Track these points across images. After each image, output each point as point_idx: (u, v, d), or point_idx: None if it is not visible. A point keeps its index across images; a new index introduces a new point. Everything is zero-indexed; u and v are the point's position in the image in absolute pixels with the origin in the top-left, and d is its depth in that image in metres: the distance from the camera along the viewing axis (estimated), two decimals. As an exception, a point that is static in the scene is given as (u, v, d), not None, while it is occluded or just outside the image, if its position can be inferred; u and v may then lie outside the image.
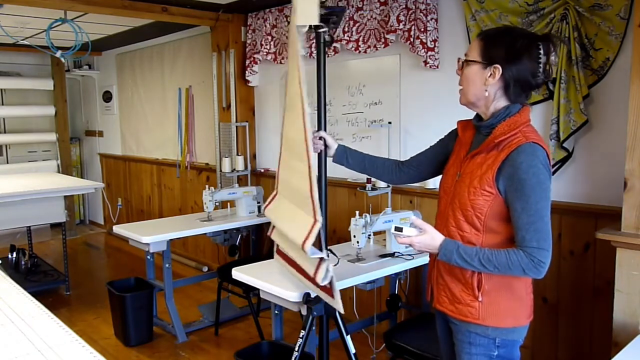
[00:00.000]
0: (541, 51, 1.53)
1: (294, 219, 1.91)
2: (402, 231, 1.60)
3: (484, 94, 1.58)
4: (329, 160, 2.06)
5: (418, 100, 3.31)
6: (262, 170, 4.53)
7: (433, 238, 1.57)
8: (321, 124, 2.03)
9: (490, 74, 1.55)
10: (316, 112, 2.04)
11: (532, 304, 1.67)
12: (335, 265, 2.14)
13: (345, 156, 2.02)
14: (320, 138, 2.02)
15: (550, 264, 1.49)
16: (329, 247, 2.10)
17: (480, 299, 1.59)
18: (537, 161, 1.48)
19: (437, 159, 1.87)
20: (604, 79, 2.50)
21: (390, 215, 2.75)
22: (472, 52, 1.60)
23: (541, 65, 1.53)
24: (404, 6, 3.13)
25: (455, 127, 1.79)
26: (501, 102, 1.59)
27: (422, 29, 3.07)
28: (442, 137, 1.88)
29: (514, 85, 1.55)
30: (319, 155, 2.05)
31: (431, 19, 3.07)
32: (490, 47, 1.56)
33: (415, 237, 1.58)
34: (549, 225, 1.50)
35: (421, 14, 3.06)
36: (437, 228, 1.65)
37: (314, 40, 1.95)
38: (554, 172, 2.63)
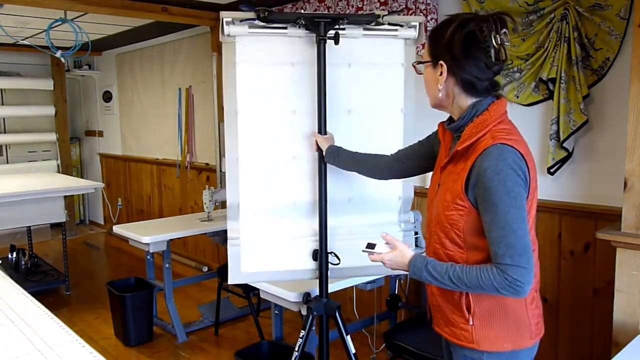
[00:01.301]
0: (485, 33, 1.35)
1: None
2: (374, 248, 1.52)
3: (438, 94, 1.46)
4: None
5: (418, 100, 3.29)
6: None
7: (402, 255, 1.47)
8: (321, 125, 2.03)
9: (440, 72, 1.43)
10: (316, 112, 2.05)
11: (538, 320, 1.49)
12: (336, 264, 2.13)
13: (334, 156, 1.98)
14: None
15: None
16: (331, 250, 2.11)
17: (471, 322, 1.44)
18: (504, 165, 1.30)
19: (423, 155, 1.75)
20: (604, 79, 2.49)
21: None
22: (425, 52, 1.50)
23: (490, 49, 1.36)
24: (404, 6, 3.13)
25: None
26: (464, 100, 1.44)
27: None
28: (430, 133, 1.75)
29: (465, 79, 1.40)
30: (318, 155, 2.05)
31: (431, 19, 3.07)
32: (434, 43, 1.45)
33: (386, 254, 1.50)
34: (526, 238, 1.31)
35: (421, 14, 3.06)
36: (426, 243, 1.59)
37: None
38: (553, 172, 2.63)
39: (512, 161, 1.31)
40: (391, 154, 1.89)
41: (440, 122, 1.61)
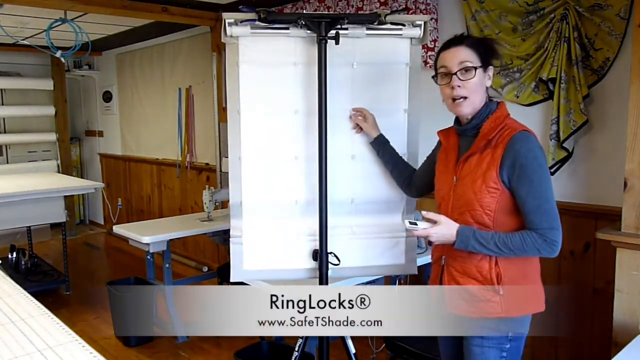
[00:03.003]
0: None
1: None
2: (417, 225, 1.63)
3: (484, 97, 1.65)
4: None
5: (422, 101, 3.29)
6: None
7: (449, 227, 1.60)
8: (322, 125, 2.02)
9: (488, 77, 1.65)
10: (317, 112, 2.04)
11: (543, 287, 1.70)
12: (336, 265, 2.13)
13: (380, 147, 2.02)
14: (362, 117, 2.04)
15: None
16: (331, 251, 2.11)
17: (500, 292, 1.60)
18: (533, 145, 1.55)
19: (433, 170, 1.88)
20: (604, 79, 2.50)
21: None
22: (469, 59, 1.61)
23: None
24: (404, 6, 3.13)
25: (439, 138, 1.84)
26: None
27: (422, 29, 3.07)
28: (429, 154, 1.94)
29: (493, 82, 1.71)
30: (320, 152, 2.02)
31: (431, 19, 3.07)
32: (481, 51, 1.64)
33: (432, 228, 1.61)
34: (555, 204, 1.57)
35: (421, 14, 3.06)
36: None
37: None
38: (553, 172, 2.63)
39: (537, 144, 1.57)
40: (413, 174, 2.00)
41: (439, 131, 1.81)
